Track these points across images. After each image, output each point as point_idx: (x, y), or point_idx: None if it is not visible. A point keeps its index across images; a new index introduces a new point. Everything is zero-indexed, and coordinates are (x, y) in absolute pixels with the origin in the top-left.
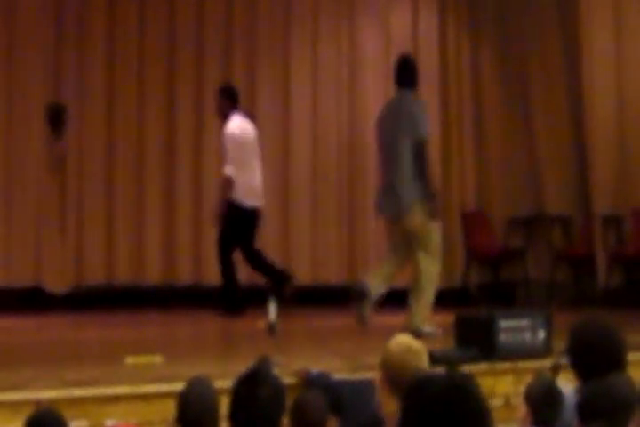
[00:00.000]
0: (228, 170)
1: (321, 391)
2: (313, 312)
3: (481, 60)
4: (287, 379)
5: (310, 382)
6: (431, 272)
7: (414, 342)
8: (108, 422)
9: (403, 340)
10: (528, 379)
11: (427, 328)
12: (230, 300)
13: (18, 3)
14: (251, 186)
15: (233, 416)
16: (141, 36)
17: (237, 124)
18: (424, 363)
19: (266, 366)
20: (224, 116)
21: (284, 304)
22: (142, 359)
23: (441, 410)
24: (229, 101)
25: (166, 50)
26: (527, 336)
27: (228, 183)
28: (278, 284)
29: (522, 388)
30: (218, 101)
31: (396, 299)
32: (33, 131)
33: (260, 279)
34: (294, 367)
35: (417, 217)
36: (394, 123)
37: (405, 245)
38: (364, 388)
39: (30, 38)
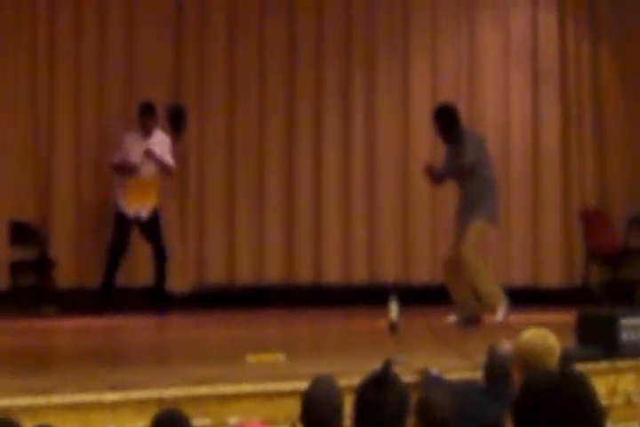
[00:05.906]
0: None
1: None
2: (434, 311)
3: (600, 57)
4: (408, 377)
5: (429, 381)
6: None
7: (548, 336)
8: (232, 420)
9: (537, 332)
10: None
11: None
12: None
13: (136, 4)
14: None
15: (358, 421)
16: (261, 35)
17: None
18: (553, 358)
19: (391, 370)
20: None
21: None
22: (264, 358)
23: (551, 404)
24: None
25: (286, 48)
26: None
27: None
28: None
29: None
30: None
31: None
32: None
33: (381, 276)
34: (416, 366)
35: None
36: None
37: None
38: (477, 387)
39: (150, 40)
